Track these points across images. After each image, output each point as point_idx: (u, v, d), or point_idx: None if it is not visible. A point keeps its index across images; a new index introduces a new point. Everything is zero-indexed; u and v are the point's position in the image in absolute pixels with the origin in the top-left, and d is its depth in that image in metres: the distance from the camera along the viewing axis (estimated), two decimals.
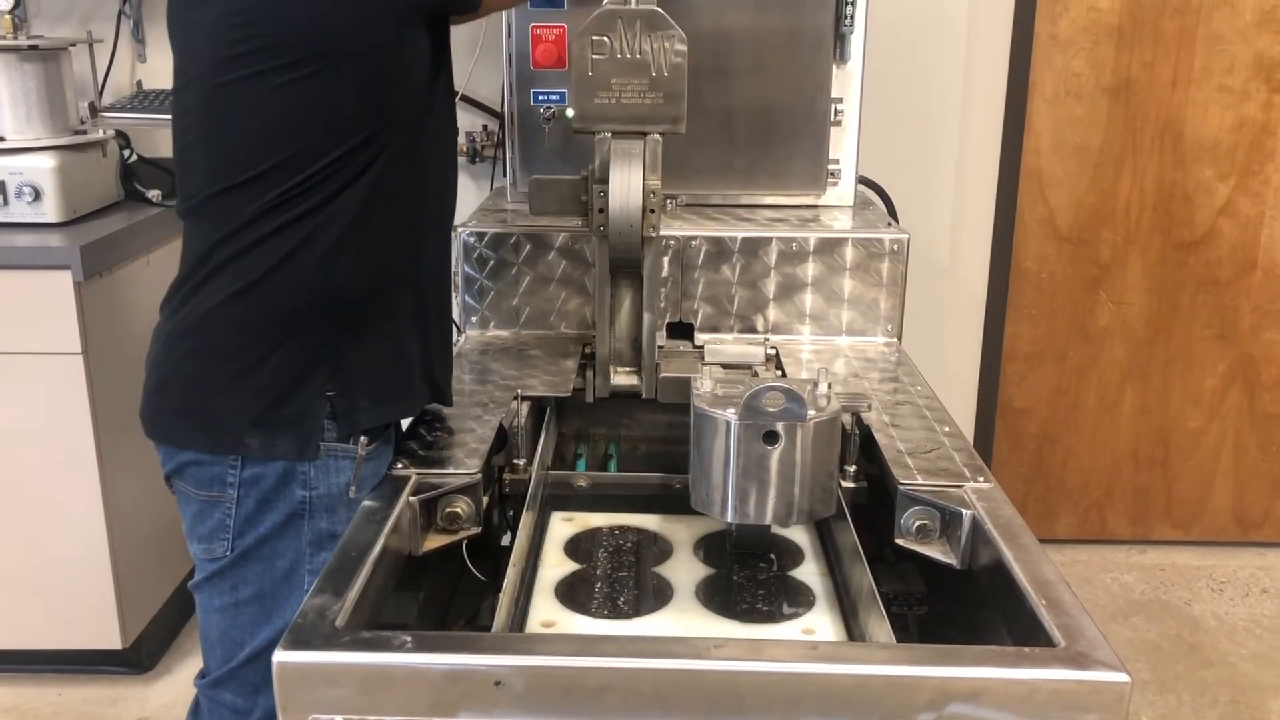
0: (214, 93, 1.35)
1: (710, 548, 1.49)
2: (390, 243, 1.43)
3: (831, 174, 2.24)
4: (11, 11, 2.51)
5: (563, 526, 1.56)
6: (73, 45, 2.64)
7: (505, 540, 1.61)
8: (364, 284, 1.41)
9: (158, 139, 2.94)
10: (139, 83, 2.84)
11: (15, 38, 2.49)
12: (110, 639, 2.54)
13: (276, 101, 1.33)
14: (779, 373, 1.82)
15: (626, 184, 1.56)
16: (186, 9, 1.42)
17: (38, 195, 2.43)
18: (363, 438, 1.41)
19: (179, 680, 2.65)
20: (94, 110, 2.62)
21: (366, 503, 1.32)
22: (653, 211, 1.57)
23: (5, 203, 2.43)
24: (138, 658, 2.65)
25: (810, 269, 1.98)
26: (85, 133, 2.60)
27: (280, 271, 1.36)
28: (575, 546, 1.50)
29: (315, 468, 1.40)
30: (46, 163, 2.44)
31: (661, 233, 1.75)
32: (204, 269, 1.40)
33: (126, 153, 2.75)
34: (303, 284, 1.37)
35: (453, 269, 2.00)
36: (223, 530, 1.43)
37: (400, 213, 1.44)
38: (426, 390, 1.53)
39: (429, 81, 1.44)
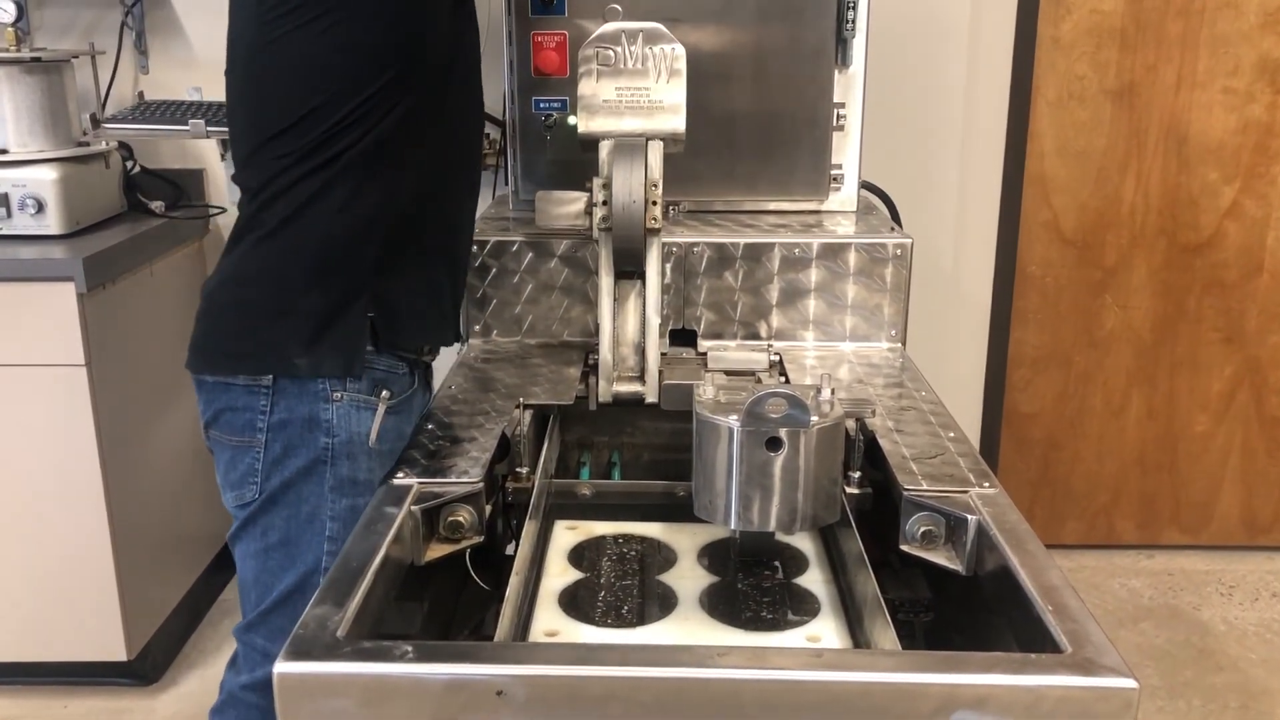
0: (257, 56, 1.49)
1: (714, 555, 1.48)
2: (420, 180, 1.54)
3: (834, 179, 2.23)
4: (15, 24, 2.52)
5: (566, 535, 1.55)
6: (75, 57, 2.65)
7: (510, 549, 1.60)
8: (396, 215, 1.52)
9: (160, 150, 2.95)
10: (140, 94, 2.84)
11: (18, 50, 2.49)
12: (115, 651, 2.54)
13: (311, 49, 1.45)
14: (782, 379, 1.82)
15: (629, 177, 1.56)
16: None
17: (40, 207, 2.43)
18: (385, 391, 1.52)
19: (185, 692, 2.65)
20: (95, 122, 2.62)
21: (368, 512, 1.31)
22: (655, 204, 1.58)
23: (8, 215, 2.43)
24: (143, 669, 2.65)
25: (813, 275, 1.97)
26: (88, 144, 2.61)
27: (320, 203, 1.47)
28: (579, 555, 1.49)
29: (338, 415, 1.50)
30: (49, 175, 2.44)
31: (664, 240, 1.75)
32: (245, 220, 1.53)
33: (129, 164, 2.75)
34: (341, 214, 1.48)
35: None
36: (252, 475, 1.53)
37: (429, 153, 1.55)
38: (453, 324, 1.68)
39: (451, 32, 1.58)
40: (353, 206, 1.48)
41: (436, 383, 1.79)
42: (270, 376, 1.52)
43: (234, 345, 1.53)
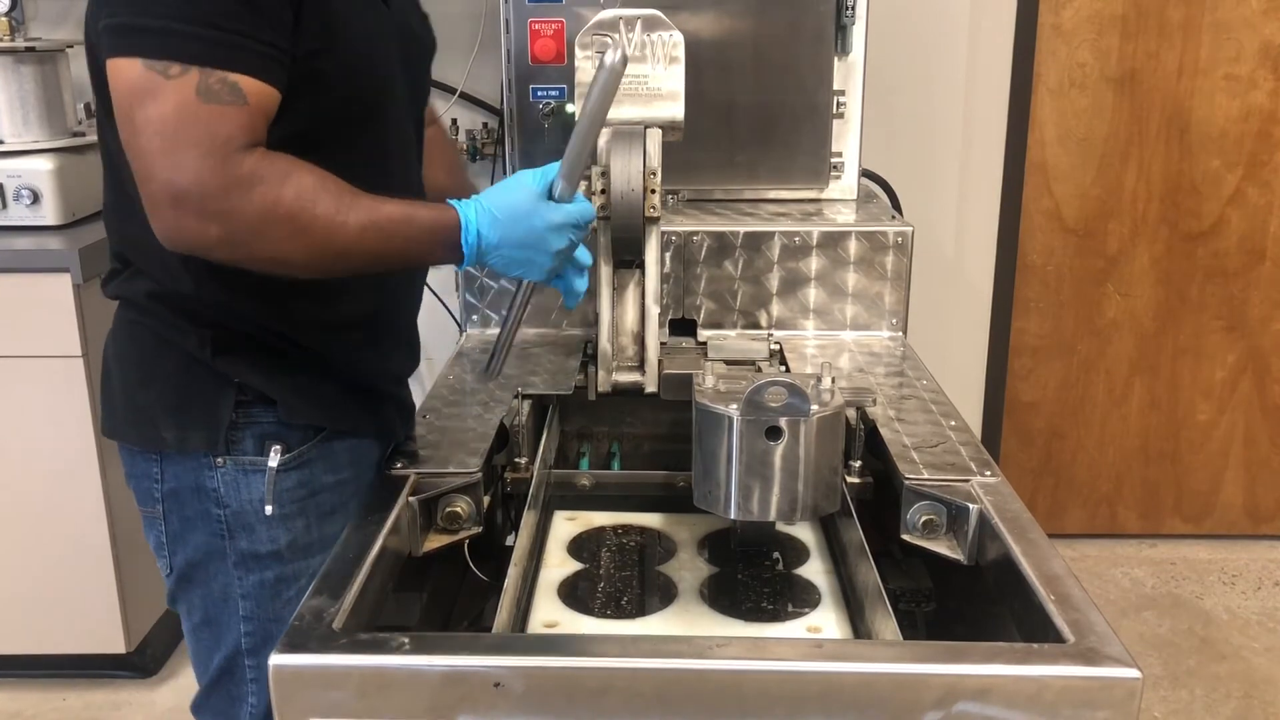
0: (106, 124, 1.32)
1: (714, 546, 1.48)
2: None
3: (834, 167, 2.22)
4: (9, 14, 2.50)
5: (566, 526, 1.54)
6: (70, 47, 2.63)
7: (509, 540, 1.59)
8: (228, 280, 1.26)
9: None
10: None
11: (13, 40, 2.48)
12: (114, 643, 2.53)
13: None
14: (783, 368, 1.81)
15: (627, 165, 1.55)
16: None
17: (36, 198, 2.42)
18: (275, 446, 1.32)
19: (183, 684, 2.64)
20: (90, 111, 2.61)
21: (367, 502, 1.30)
22: (653, 192, 1.57)
23: (4, 206, 2.42)
24: (142, 662, 2.64)
25: (814, 263, 1.96)
26: (83, 134, 2.59)
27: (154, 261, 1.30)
28: (578, 546, 1.49)
29: (224, 483, 1.33)
30: (45, 165, 2.43)
31: (663, 228, 1.73)
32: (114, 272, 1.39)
33: None
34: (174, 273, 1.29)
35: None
36: (161, 549, 1.39)
37: None
38: (350, 397, 1.38)
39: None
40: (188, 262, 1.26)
41: (437, 374, 1.78)
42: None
43: (121, 411, 1.37)
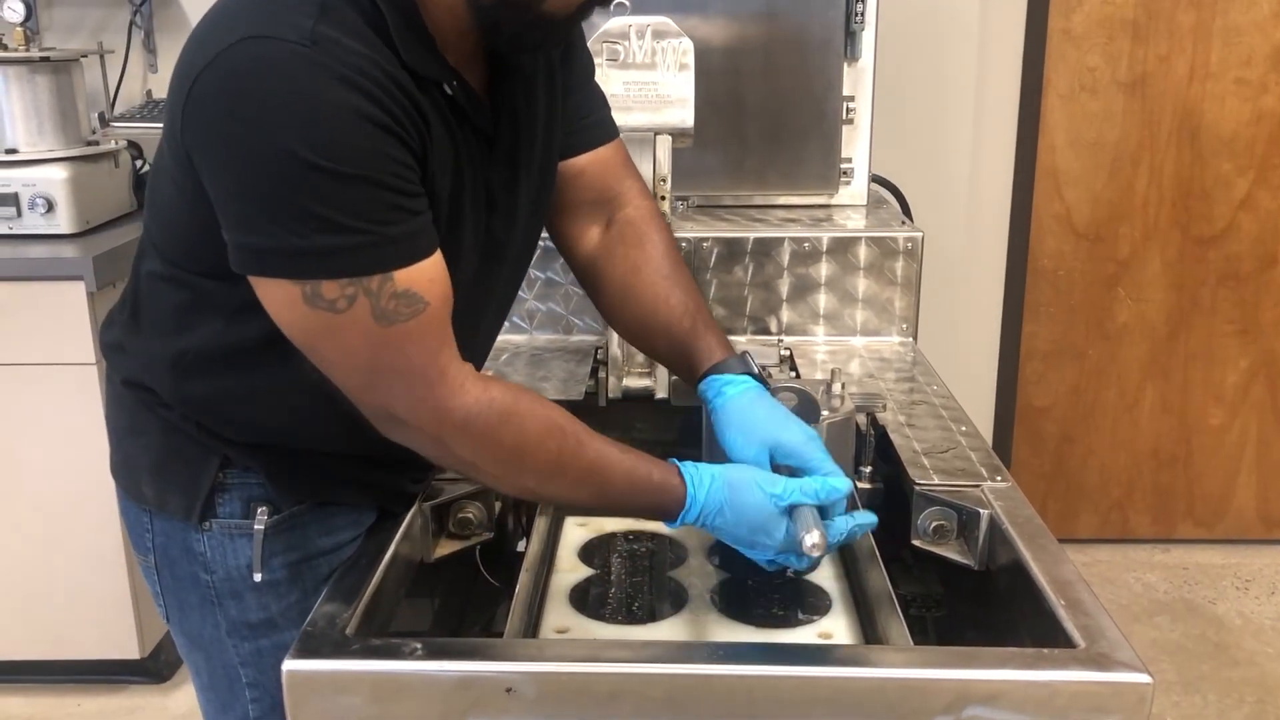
0: (159, 174, 1.16)
1: (724, 552, 1.47)
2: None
3: (844, 173, 2.22)
4: (24, 24, 2.52)
5: (576, 531, 1.54)
6: (84, 56, 2.65)
7: (520, 546, 1.60)
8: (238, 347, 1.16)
9: None
10: (149, 92, 2.85)
11: (27, 50, 2.49)
12: (128, 649, 2.54)
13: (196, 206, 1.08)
14: (793, 374, 1.81)
15: None
16: None
17: (51, 207, 2.43)
18: (261, 508, 1.21)
19: None
20: (104, 121, 2.62)
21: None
22: (663, 198, 1.57)
23: (19, 214, 2.43)
24: (156, 667, 2.65)
25: (824, 269, 1.96)
26: (97, 143, 2.61)
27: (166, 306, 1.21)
28: (589, 552, 1.49)
29: (210, 546, 1.23)
30: (59, 174, 2.44)
31: (673, 235, 1.74)
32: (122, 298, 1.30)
33: (138, 163, 2.75)
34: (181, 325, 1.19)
35: None
36: (157, 598, 1.32)
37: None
38: (348, 469, 1.25)
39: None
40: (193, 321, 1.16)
41: None
42: None
43: (114, 452, 1.31)
